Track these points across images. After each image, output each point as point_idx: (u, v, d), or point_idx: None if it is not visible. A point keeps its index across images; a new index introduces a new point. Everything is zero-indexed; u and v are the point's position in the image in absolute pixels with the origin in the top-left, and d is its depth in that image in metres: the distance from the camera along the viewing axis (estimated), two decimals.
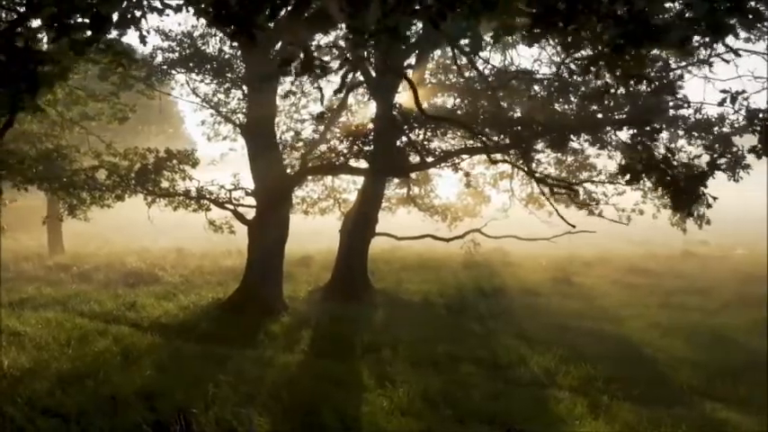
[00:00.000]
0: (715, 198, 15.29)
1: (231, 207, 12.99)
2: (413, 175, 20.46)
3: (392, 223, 21.07)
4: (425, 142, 11.29)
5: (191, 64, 13.61)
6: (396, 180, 19.66)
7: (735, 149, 8.68)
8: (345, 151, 11.99)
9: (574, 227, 13.76)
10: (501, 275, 18.39)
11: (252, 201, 13.48)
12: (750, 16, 3.36)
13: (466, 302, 13.96)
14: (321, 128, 12.06)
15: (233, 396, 7.03)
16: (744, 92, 9.09)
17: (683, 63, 13.05)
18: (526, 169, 11.54)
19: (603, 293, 15.41)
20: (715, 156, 9.10)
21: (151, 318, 11.94)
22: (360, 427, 6.46)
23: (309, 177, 19.62)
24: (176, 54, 13.77)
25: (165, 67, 14.07)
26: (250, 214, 13.40)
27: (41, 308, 12.47)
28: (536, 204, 20.14)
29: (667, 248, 22.95)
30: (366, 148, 11.47)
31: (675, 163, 4.61)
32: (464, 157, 12.87)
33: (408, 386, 7.87)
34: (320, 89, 12.81)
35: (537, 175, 12.30)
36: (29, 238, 25.40)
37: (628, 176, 5.77)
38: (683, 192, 4.50)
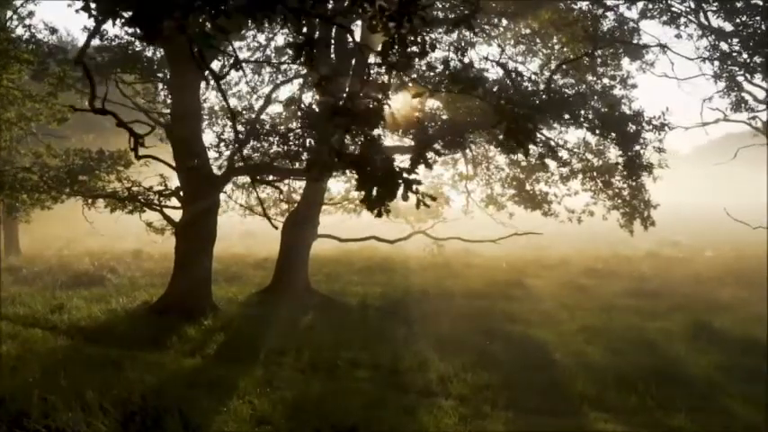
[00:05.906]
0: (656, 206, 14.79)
1: (158, 208, 12.83)
2: None
3: (361, 224, 20.84)
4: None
5: (123, 65, 13.48)
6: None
7: (636, 150, 8.39)
8: (270, 151, 11.79)
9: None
10: (456, 278, 18.08)
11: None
12: None
13: (401, 305, 13.68)
14: (244, 129, 11.87)
15: (94, 402, 6.86)
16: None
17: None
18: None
19: (550, 296, 15.07)
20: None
21: (72, 321, 11.82)
22: None
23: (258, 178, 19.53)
24: (109, 55, 13.65)
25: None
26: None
27: None
28: (496, 206, 19.91)
29: (636, 249, 22.49)
30: (286, 147, 11.26)
31: (376, 157, 4.34)
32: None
33: (285, 392, 7.67)
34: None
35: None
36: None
37: (314, 171, 5.47)
38: (382, 187, 4.24)
